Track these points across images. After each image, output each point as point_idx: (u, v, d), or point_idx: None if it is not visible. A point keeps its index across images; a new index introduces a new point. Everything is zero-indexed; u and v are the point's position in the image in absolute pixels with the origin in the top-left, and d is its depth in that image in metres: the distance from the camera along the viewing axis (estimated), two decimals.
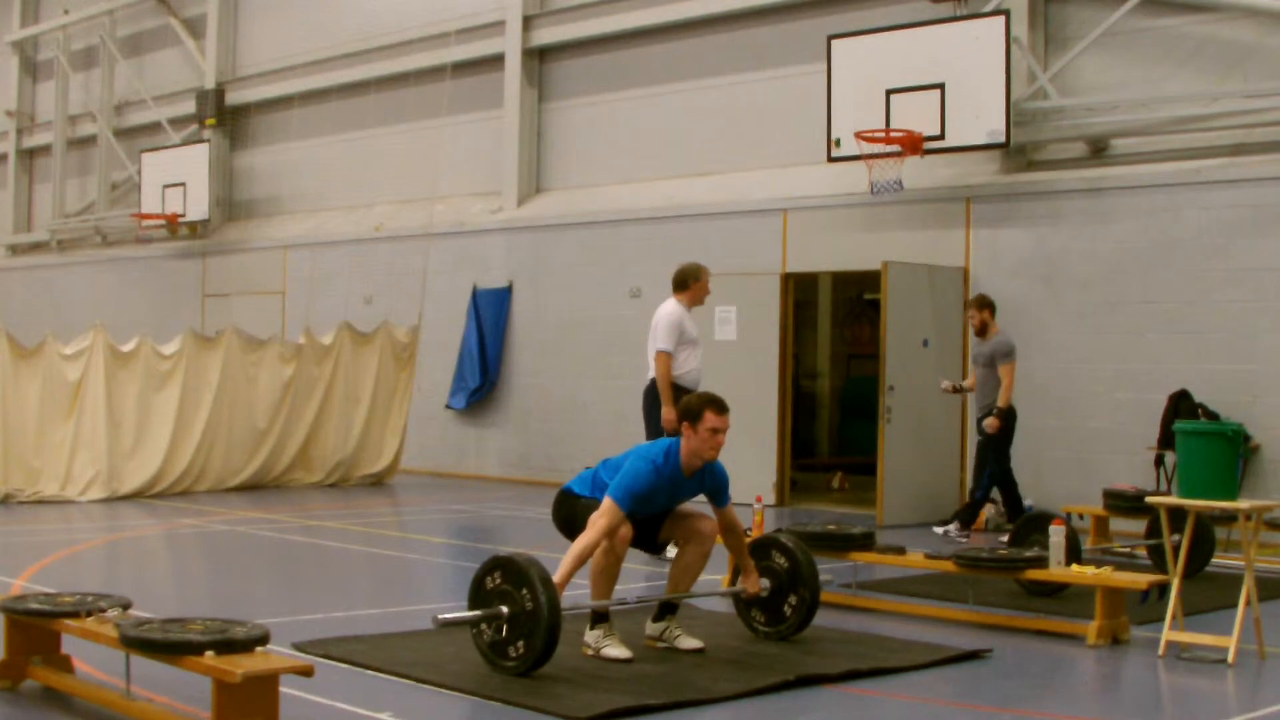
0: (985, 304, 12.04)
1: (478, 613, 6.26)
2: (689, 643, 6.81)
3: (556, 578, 6.22)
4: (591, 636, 6.60)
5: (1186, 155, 12.35)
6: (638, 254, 15.78)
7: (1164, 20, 12.60)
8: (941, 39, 13.08)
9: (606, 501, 6.47)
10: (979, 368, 12.01)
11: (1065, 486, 12.50)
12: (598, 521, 6.42)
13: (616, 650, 6.51)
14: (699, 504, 6.95)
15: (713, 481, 6.83)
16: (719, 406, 6.65)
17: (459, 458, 17.75)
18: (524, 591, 6.10)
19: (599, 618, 6.60)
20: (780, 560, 7.18)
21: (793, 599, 7.13)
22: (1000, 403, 11.72)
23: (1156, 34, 12.65)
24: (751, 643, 7.05)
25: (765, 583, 7.14)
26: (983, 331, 11.98)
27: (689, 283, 10.55)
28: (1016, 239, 13.19)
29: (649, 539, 6.93)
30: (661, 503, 6.76)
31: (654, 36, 16.44)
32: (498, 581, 6.24)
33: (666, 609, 6.90)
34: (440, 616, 6.23)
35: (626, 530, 6.50)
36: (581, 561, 6.40)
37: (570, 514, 6.81)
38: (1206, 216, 12.11)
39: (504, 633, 6.18)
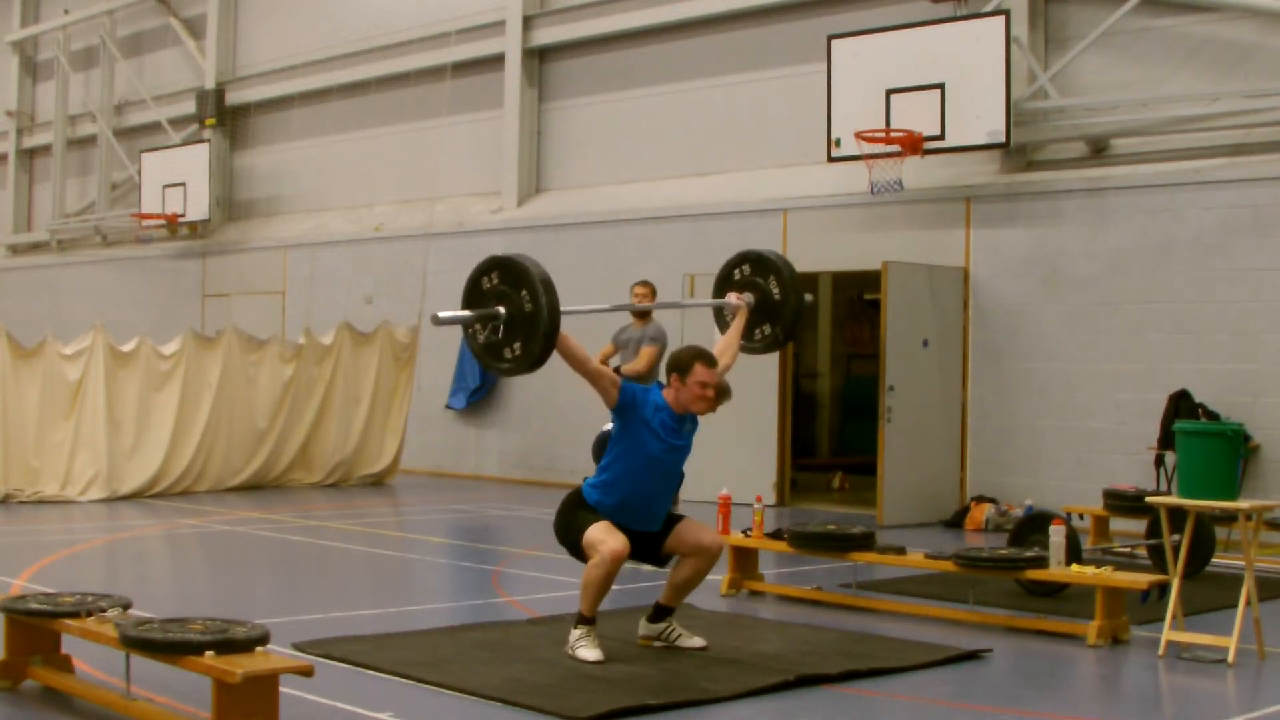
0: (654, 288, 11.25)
1: (475, 313, 6.16)
2: (692, 641, 6.80)
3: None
4: (572, 636, 6.60)
5: (1186, 155, 12.35)
6: (638, 254, 15.78)
7: (1164, 20, 12.61)
8: (941, 39, 13.08)
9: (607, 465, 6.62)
10: (629, 353, 11.03)
11: (1065, 486, 12.50)
12: (601, 549, 6.39)
13: (588, 652, 6.49)
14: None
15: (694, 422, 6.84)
16: (709, 360, 6.67)
17: (459, 458, 17.75)
18: (523, 293, 6.02)
19: (583, 619, 6.58)
20: (773, 288, 7.26)
21: (766, 329, 7.30)
22: (627, 369, 10.76)
23: (1156, 34, 12.66)
24: (751, 642, 7.05)
25: (749, 297, 7.27)
26: (645, 315, 10.97)
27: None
28: (1016, 239, 13.19)
29: (653, 552, 6.85)
30: (658, 449, 6.60)
31: (654, 36, 16.45)
32: (495, 282, 6.14)
33: (665, 611, 6.87)
34: (439, 315, 6.19)
35: (624, 551, 6.47)
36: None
37: (568, 525, 6.70)
38: (1206, 216, 12.12)
39: (500, 334, 6.10)
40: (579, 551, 6.58)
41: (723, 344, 7.19)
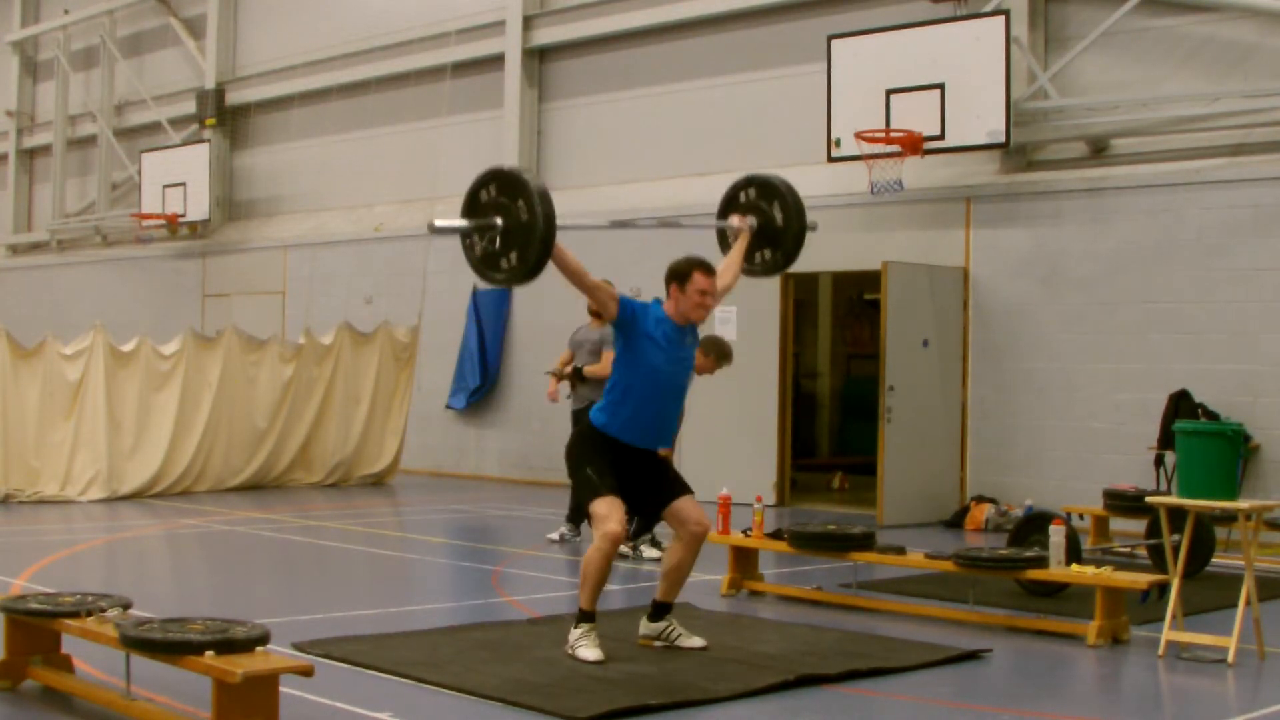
0: None
1: (473, 223, 6.20)
2: (692, 641, 6.79)
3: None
4: (572, 635, 6.60)
5: (1186, 155, 12.35)
6: (638, 254, 15.74)
7: (1164, 20, 12.61)
8: (941, 39, 13.08)
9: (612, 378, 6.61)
10: (585, 354, 11.02)
11: (1065, 486, 12.50)
12: (602, 526, 6.40)
13: (588, 652, 6.48)
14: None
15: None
16: (707, 268, 6.67)
17: (459, 458, 17.75)
18: (520, 204, 6.07)
19: (584, 617, 6.58)
20: (776, 213, 7.30)
21: (768, 253, 7.35)
22: (590, 371, 10.76)
23: (1156, 34, 12.66)
24: (751, 643, 7.05)
25: (752, 220, 7.30)
26: (600, 315, 10.46)
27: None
28: (1016, 239, 13.19)
29: (652, 510, 6.90)
30: (662, 361, 6.59)
31: (654, 36, 16.45)
32: (493, 194, 6.18)
33: (663, 608, 6.87)
34: (435, 223, 6.23)
35: (621, 533, 6.49)
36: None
37: (576, 463, 6.73)
38: (1207, 216, 12.12)
39: (497, 245, 6.14)
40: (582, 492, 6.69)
41: (724, 264, 7.18)
